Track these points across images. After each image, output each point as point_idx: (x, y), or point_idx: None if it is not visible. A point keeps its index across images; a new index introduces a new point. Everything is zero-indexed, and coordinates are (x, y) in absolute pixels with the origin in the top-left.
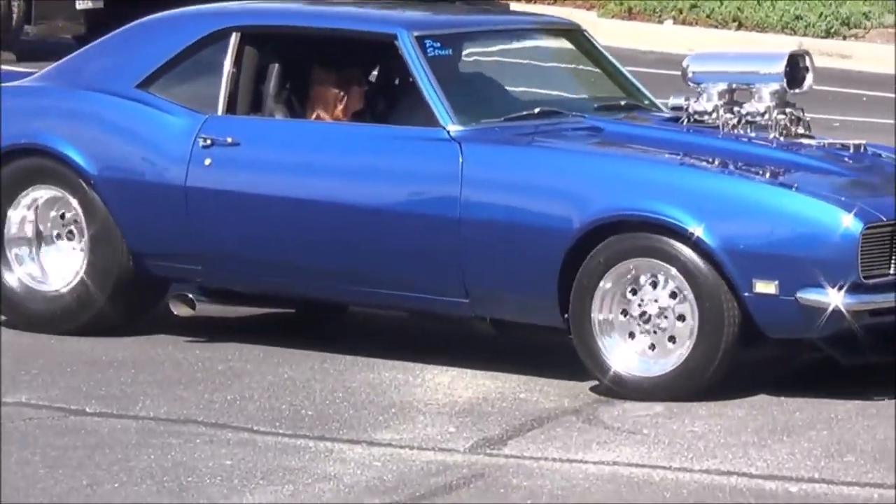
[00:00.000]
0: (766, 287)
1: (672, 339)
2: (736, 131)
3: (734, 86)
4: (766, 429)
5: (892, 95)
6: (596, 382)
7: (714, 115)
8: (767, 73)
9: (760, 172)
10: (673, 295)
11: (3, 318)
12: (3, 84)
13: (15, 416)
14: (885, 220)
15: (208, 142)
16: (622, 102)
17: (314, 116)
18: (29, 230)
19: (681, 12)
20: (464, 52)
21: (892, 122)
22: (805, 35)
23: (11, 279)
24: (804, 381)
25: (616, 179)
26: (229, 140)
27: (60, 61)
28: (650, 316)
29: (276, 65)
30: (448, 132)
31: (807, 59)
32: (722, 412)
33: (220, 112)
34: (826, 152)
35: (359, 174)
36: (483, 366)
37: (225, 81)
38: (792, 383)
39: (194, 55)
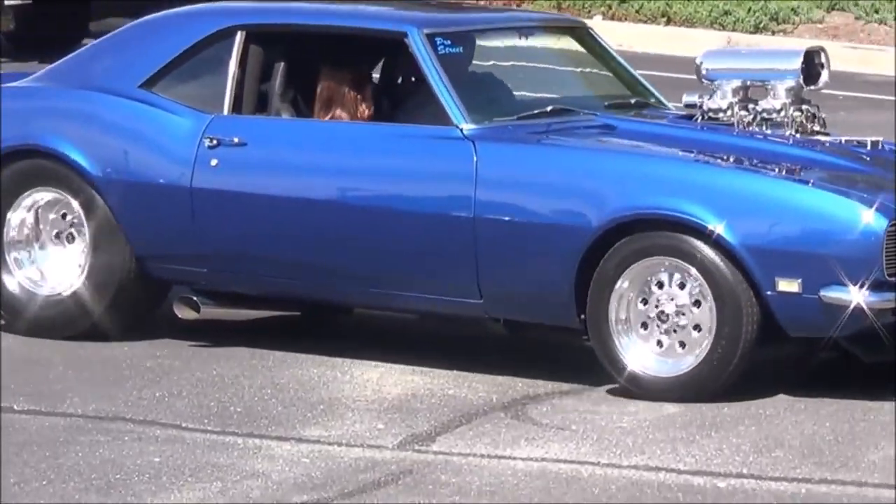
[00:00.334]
0: (788, 285)
1: (690, 338)
2: (751, 128)
3: (749, 83)
4: (694, 424)
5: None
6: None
7: (729, 113)
8: (783, 69)
9: (780, 169)
10: (691, 294)
11: (2, 322)
12: (2, 85)
13: None
14: None
15: (214, 142)
16: (632, 100)
17: (323, 116)
18: (29, 233)
19: (610, 7)
20: (474, 50)
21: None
22: (734, 30)
23: (11, 283)
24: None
25: (633, 177)
26: (236, 140)
27: (60, 61)
28: (668, 315)
29: (283, 64)
30: (461, 131)
31: (822, 55)
32: (650, 408)
33: (225, 112)
34: (843, 149)
35: (369, 174)
36: (412, 361)
37: (230, 81)
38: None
39: (199, 54)
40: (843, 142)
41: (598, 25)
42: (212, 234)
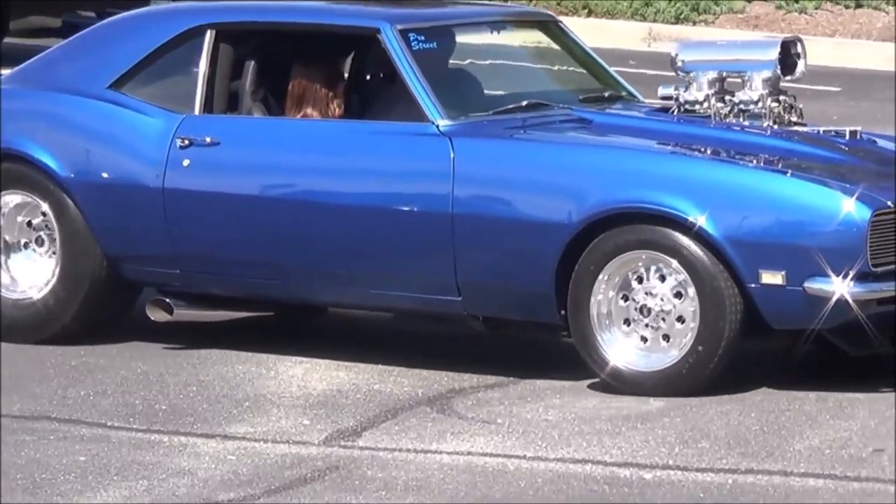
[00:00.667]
0: (772, 277)
1: (672, 332)
2: (729, 120)
3: (725, 74)
4: (619, 416)
5: None
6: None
7: (705, 105)
8: (760, 60)
9: (760, 160)
10: (673, 287)
11: None
12: None
13: None
14: (892, 206)
15: (186, 142)
16: (605, 94)
17: (294, 113)
18: None
19: (530, 0)
20: (452, 45)
21: None
22: (655, 21)
23: None
24: None
25: (613, 171)
26: (208, 140)
27: (27, 62)
28: (650, 309)
29: (253, 62)
30: (437, 127)
31: (798, 45)
32: (575, 401)
33: (196, 111)
34: (822, 139)
35: (345, 171)
36: (336, 357)
37: (201, 80)
38: None
39: (168, 54)
40: (821, 132)
41: None
42: (185, 235)
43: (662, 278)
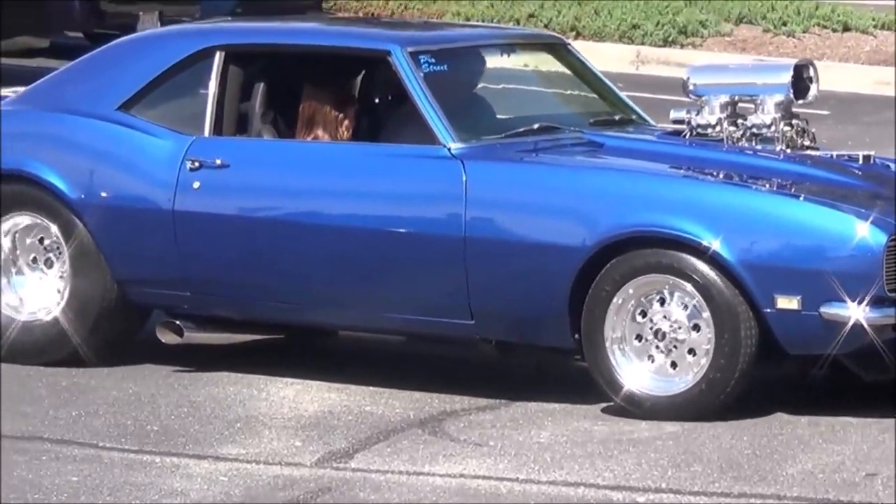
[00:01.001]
0: (788, 302)
1: (687, 356)
2: (741, 144)
3: (737, 98)
4: (612, 439)
5: None
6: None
7: (718, 128)
8: (772, 84)
9: (775, 184)
10: (688, 312)
11: None
12: None
13: None
14: None
15: (196, 164)
16: (616, 117)
17: (305, 136)
18: (6, 258)
19: (518, 22)
20: (457, 68)
21: None
22: (643, 44)
23: None
24: None
25: (627, 195)
26: (218, 162)
27: (36, 83)
28: (664, 333)
29: (263, 84)
30: (449, 150)
31: (811, 69)
32: (567, 423)
33: (206, 133)
34: (835, 164)
35: (356, 194)
36: (328, 378)
37: (211, 102)
38: None
39: (177, 75)
40: (834, 156)
41: None
42: (195, 257)
43: (679, 303)
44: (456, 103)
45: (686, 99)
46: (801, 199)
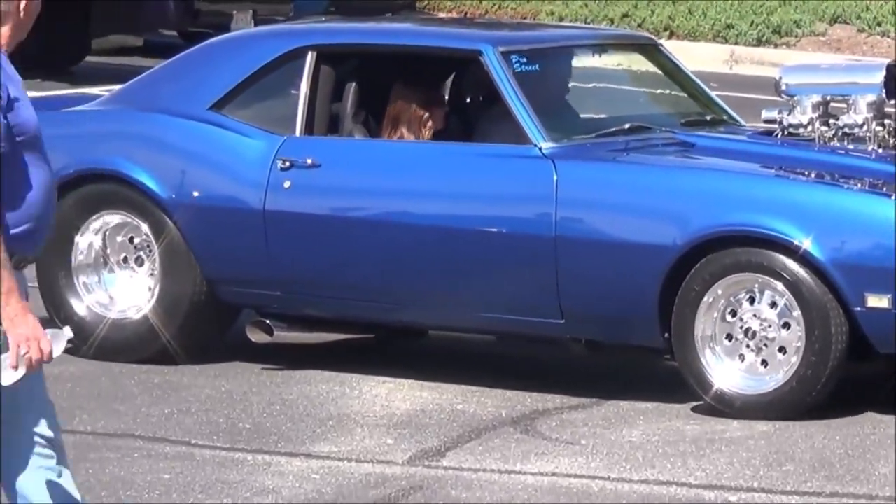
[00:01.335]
0: (878, 301)
1: (778, 355)
2: (832, 143)
3: (829, 98)
4: (704, 438)
5: None
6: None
7: (809, 128)
8: (864, 83)
9: (866, 184)
10: (779, 311)
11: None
12: (70, 109)
13: None
14: None
15: (287, 164)
16: (707, 117)
17: (397, 136)
18: (97, 257)
19: (612, 21)
20: (548, 68)
21: None
22: (737, 43)
23: (80, 307)
24: None
25: (717, 194)
26: (309, 161)
27: (129, 83)
28: (755, 332)
29: (354, 84)
30: (540, 149)
31: None
32: (659, 422)
33: (297, 133)
34: None
35: (446, 194)
36: (420, 377)
37: (302, 102)
38: None
39: (269, 75)
40: None
41: None
42: (285, 257)
43: (770, 302)
44: (547, 103)
45: (778, 98)
46: (893, 198)
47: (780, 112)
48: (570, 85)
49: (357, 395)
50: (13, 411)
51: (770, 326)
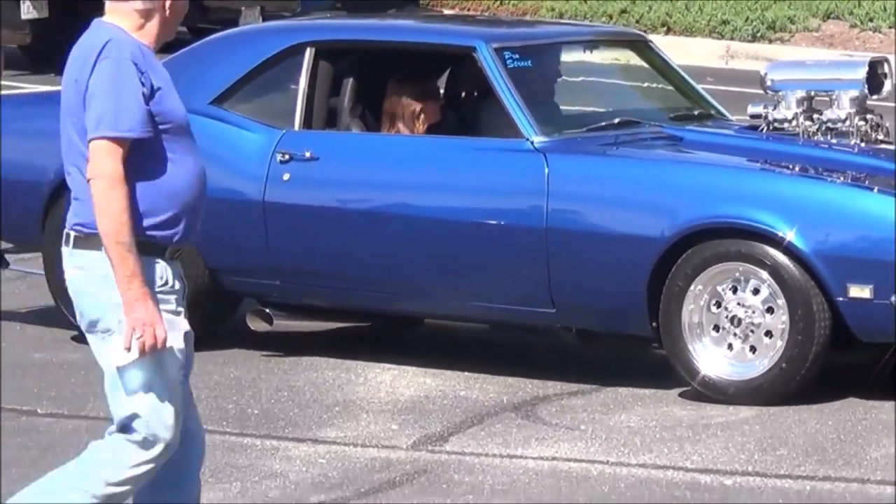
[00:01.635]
0: (860, 291)
1: (762, 343)
2: (816, 138)
3: (813, 93)
4: (699, 424)
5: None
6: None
7: (794, 123)
8: (847, 79)
9: (849, 177)
10: (763, 299)
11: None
12: None
13: None
14: None
15: (286, 157)
16: (695, 112)
17: (392, 130)
18: None
19: (611, 17)
20: (539, 63)
21: None
22: (732, 39)
23: None
24: None
25: (704, 187)
26: (308, 154)
27: None
28: (740, 320)
29: (352, 79)
30: (532, 143)
31: (885, 65)
32: (656, 407)
33: (296, 127)
34: None
35: (441, 187)
36: (423, 364)
37: (301, 96)
38: None
39: (268, 71)
40: None
41: None
42: (285, 248)
43: (754, 291)
44: (539, 98)
45: (764, 94)
46: (875, 191)
47: (765, 107)
48: (561, 80)
49: (362, 382)
50: None
51: (754, 314)
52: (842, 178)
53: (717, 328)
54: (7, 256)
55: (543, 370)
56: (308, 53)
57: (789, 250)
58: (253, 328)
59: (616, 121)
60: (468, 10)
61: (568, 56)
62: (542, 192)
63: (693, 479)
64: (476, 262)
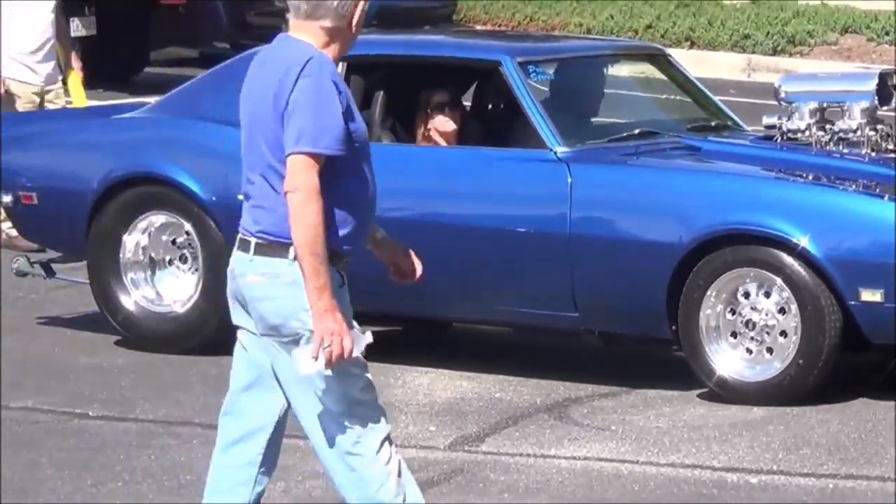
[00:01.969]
0: (871, 295)
1: (776, 345)
2: (828, 147)
3: (825, 104)
4: (726, 424)
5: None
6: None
7: (807, 133)
8: (858, 91)
9: (860, 185)
10: (777, 303)
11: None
12: (120, 116)
13: (22, 420)
14: None
15: None
16: (712, 123)
17: (422, 141)
18: (143, 254)
19: (636, 32)
20: (562, 77)
21: None
22: (753, 52)
23: (128, 302)
24: None
25: (721, 195)
26: None
27: (171, 92)
28: (755, 323)
29: (382, 92)
30: (556, 153)
31: (895, 77)
32: (684, 409)
33: None
34: None
35: (469, 195)
36: (460, 368)
37: None
38: None
39: None
40: None
41: None
42: None
43: (768, 294)
44: (562, 110)
45: (778, 105)
46: (885, 198)
47: (779, 118)
48: (582, 92)
49: (401, 385)
50: None
51: (769, 318)
52: (853, 187)
53: (734, 335)
54: (53, 266)
55: (575, 373)
56: (340, 67)
57: (803, 256)
58: None
59: (636, 131)
60: (500, 26)
61: (590, 70)
62: (565, 200)
63: (720, 478)
64: (503, 267)
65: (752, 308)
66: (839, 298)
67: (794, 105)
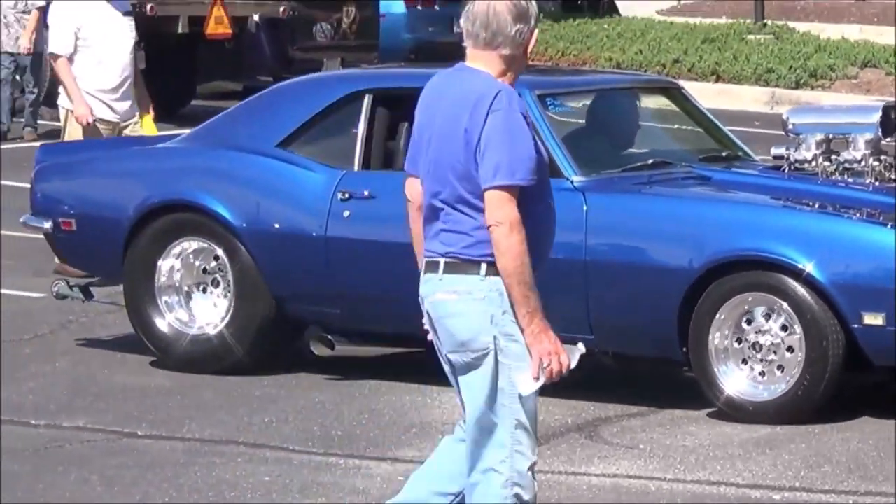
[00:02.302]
0: (874, 319)
1: (781, 366)
2: (834, 177)
3: (831, 136)
4: (749, 442)
5: None
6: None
7: (813, 163)
8: (862, 123)
9: (864, 213)
10: (783, 326)
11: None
12: (155, 145)
13: (73, 440)
14: None
15: (346, 195)
16: (723, 154)
17: None
18: (178, 279)
19: (664, 66)
20: (579, 109)
21: None
22: (777, 86)
23: (162, 324)
24: None
25: (731, 222)
26: (366, 193)
27: (205, 123)
28: (762, 345)
29: (407, 123)
30: (572, 182)
31: None
32: (710, 427)
33: (355, 168)
34: None
35: None
36: None
37: (360, 139)
38: None
39: (330, 116)
40: None
41: None
42: (344, 278)
43: (774, 318)
44: (578, 140)
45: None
46: (888, 226)
47: (787, 149)
48: (598, 124)
49: (437, 405)
50: None
51: (775, 340)
52: (857, 215)
53: (740, 352)
54: (92, 289)
55: (604, 394)
56: (366, 100)
57: (808, 281)
58: (316, 353)
59: (650, 161)
60: (533, 60)
61: (606, 102)
62: (581, 227)
63: (744, 495)
64: None
65: (759, 331)
66: (843, 322)
67: (801, 136)
